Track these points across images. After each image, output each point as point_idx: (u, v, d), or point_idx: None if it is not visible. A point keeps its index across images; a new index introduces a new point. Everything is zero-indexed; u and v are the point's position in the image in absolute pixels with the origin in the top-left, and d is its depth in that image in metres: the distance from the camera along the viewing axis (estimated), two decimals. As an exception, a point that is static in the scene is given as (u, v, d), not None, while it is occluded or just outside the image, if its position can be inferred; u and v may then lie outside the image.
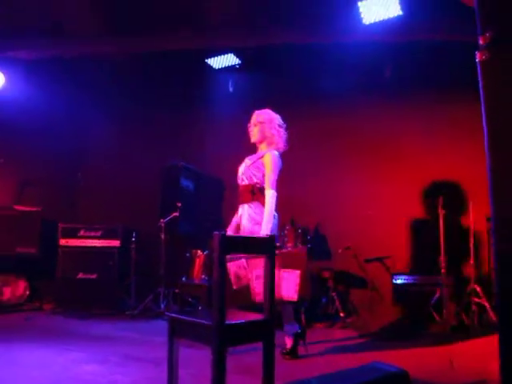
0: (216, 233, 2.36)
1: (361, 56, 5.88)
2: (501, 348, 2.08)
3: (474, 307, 5.06)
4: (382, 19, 5.26)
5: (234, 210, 6.74)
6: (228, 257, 3.57)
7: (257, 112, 4.30)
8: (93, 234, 6.37)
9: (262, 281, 3.16)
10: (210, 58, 6.49)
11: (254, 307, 3.58)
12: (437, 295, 5.11)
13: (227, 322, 2.39)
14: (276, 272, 3.10)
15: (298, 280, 3.25)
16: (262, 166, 4.14)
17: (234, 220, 4.26)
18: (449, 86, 5.83)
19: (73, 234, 6.37)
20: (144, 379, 3.36)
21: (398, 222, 6.08)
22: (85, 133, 7.20)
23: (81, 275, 6.25)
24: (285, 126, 4.35)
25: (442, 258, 5.11)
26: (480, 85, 1.98)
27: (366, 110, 6.25)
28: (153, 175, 6.57)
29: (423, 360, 4.04)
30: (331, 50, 6.04)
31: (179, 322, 2.62)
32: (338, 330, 5.25)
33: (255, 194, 4.14)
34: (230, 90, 6.83)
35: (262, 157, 4.17)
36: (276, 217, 4.09)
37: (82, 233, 6.38)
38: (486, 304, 5.03)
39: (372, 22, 5.30)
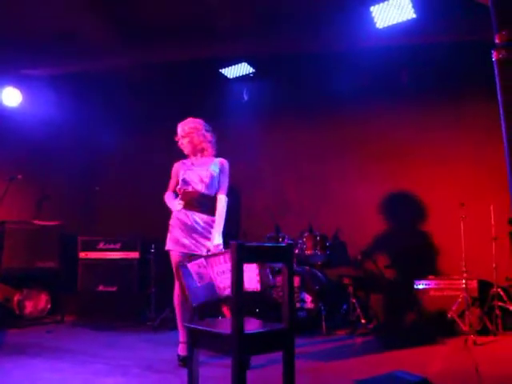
0: (233, 242, 2.35)
1: (376, 61, 5.84)
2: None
3: (497, 311, 4.96)
4: (395, 23, 5.22)
5: (251, 217, 6.77)
6: (187, 258, 3.65)
7: (181, 124, 4.31)
8: (112, 246, 6.42)
9: (225, 276, 3.31)
10: (224, 67, 6.50)
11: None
12: (459, 300, 5.02)
13: (246, 332, 2.37)
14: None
15: (257, 271, 3.31)
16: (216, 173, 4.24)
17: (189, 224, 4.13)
18: (469, 87, 5.76)
19: (92, 247, 6.42)
20: (165, 390, 3.35)
21: (418, 227, 6.01)
22: (102, 146, 7.25)
23: (101, 287, 6.29)
24: (210, 128, 4.39)
25: (464, 262, 5.03)
26: (497, 84, 1.94)
27: (385, 116, 6.20)
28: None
29: (447, 366, 3.97)
30: (345, 56, 6.02)
31: (199, 333, 2.61)
32: (359, 337, 5.19)
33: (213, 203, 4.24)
34: (245, 98, 6.83)
35: (212, 163, 4.27)
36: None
37: (101, 245, 6.42)
38: (510, 308, 4.94)
39: (385, 26, 5.26)
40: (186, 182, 4.18)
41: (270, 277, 3.50)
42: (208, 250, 4.01)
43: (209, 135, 4.33)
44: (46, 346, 4.83)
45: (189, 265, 3.25)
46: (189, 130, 4.26)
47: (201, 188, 4.15)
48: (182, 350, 4.00)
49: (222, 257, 3.32)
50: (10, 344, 5.00)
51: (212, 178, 4.17)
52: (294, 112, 6.74)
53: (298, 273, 5.45)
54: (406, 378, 1.25)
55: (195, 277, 3.22)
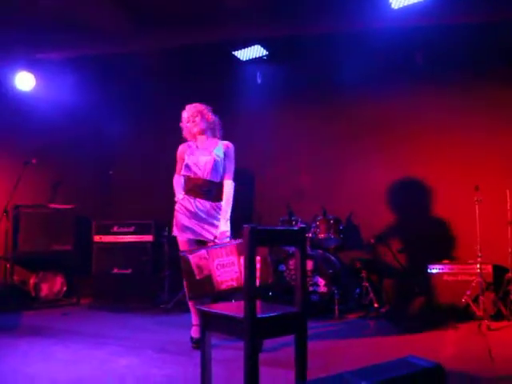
0: (246, 226, 2.34)
1: (391, 43, 5.73)
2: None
3: (511, 296, 4.93)
4: (411, 3, 5.13)
5: (264, 201, 6.76)
6: (188, 249, 3.63)
7: (187, 107, 4.33)
8: (126, 229, 6.45)
9: (225, 269, 3.29)
10: (237, 50, 6.44)
11: (219, 297, 3.69)
12: (473, 284, 4.99)
13: (259, 315, 2.38)
14: (237, 260, 3.17)
15: (258, 265, 3.28)
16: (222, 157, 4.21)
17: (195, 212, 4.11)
18: (485, 69, 5.65)
19: (106, 231, 6.46)
20: (179, 372, 3.38)
21: (433, 210, 5.97)
22: (116, 130, 7.26)
23: (116, 270, 6.35)
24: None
25: (479, 247, 4.99)
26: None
27: (399, 99, 6.13)
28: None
29: (461, 351, 3.96)
30: (360, 37, 5.92)
31: (211, 316, 2.62)
32: (372, 321, 5.19)
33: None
34: (258, 81, 6.78)
35: (216, 147, 4.24)
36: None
37: (115, 229, 6.46)
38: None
39: (401, 6, 5.17)
40: (188, 168, 4.15)
41: (271, 274, 3.46)
42: (215, 237, 4.02)
43: (216, 117, 4.37)
44: (61, 327, 4.90)
45: (190, 256, 3.23)
46: (197, 110, 4.26)
47: (202, 174, 4.12)
48: (195, 333, 4.04)
49: (223, 249, 3.30)
50: (25, 326, 5.08)
51: (215, 163, 4.13)
52: (308, 95, 6.68)
53: (311, 256, 5.44)
54: (420, 364, 1.24)
55: (195, 269, 3.18)
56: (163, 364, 3.57)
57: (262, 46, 6.33)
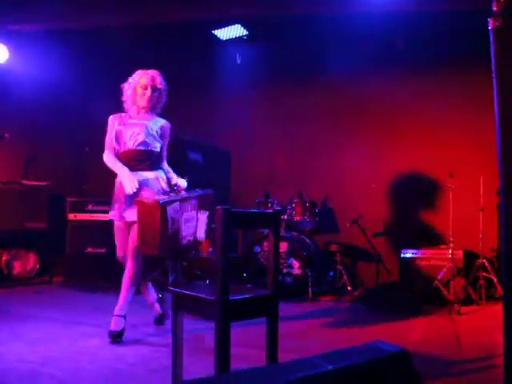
0: (219, 207, 2.33)
1: (370, 26, 5.72)
2: (505, 321, 2.06)
3: (481, 281, 5.02)
4: (392, -13, 5.11)
5: (241, 182, 6.73)
6: (167, 199, 3.31)
7: (153, 73, 3.83)
8: (101, 207, 6.36)
9: (187, 224, 3.23)
10: (217, 29, 6.36)
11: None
12: (445, 269, 5.07)
13: (231, 297, 2.37)
14: (196, 215, 3.10)
15: (206, 221, 3.25)
16: (159, 135, 3.87)
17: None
18: (463, 56, 5.67)
19: (81, 208, 6.37)
20: (150, 351, 3.38)
21: (407, 195, 6.02)
22: (91, 106, 7.13)
23: (90, 249, 6.28)
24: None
25: (451, 232, 5.06)
26: (492, 53, 1.89)
27: (377, 83, 6.12)
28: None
29: (429, 335, 4.04)
30: (340, 20, 5.89)
31: (183, 297, 2.61)
32: (344, 304, 5.25)
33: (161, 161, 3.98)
34: (238, 61, 6.71)
35: (161, 126, 3.91)
36: None
37: (90, 207, 6.37)
38: (494, 278, 5.00)
39: (383, -10, 5.15)
40: (117, 141, 3.79)
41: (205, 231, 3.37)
42: (175, 184, 3.84)
43: (166, 93, 3.93)
44: (32, 306, 4.85)
45: (168, 207, 3.01)
46: (161, 84, 3.83)
47: (133, 145, 3.76)
48: (115, 324, 3.66)
49: (189, 204, 3.22)
50: (-4, 303, 5.01)
51: (147, 135, 3.76)
52: (288, 77, 6.65)
53: (286, 239, 5.47)
54: (385, 349, 1.25)
55: (169, 222, 3.01)
56: (135, 344, 3.56)
57: (242, 25, 6.26)
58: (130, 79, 3.88)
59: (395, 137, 6.10)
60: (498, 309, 4.54)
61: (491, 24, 1.82)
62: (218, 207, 2.34)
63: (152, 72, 3.83)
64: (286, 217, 5.73)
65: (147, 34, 6.50)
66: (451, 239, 5.05)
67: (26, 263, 6.25)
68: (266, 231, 5.54)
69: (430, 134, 5.92)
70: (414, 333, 4.07)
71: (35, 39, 6.31)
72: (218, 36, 6.49)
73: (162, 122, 3.91)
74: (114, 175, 6.98)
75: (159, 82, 3.80)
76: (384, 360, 1.21)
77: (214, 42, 6.61)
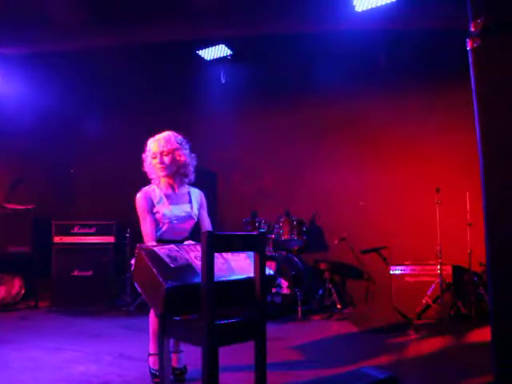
0: (204, 231, 2.30)
1: (354, 44, 5.79)
2: (493, 338, 2.05)
3: (471, 297, 5.01)
4: (374, 6, 5.17)
5: (227, 202, 6.69)
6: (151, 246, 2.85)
7: (158, 137, 3.38)
8: (87, 230, 6.32)
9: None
10: (201, 49, 6.39)
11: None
12: (434, 285, 5.06)
13: (218, 322, 2.34)
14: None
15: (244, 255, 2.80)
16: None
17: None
18: (444, 73, 5.74)
19: (67, 232, 6.31)
20: (138, 379, 3.31)
21: (394, 212, 6.03)
22: (76, 129, 7.11)
23: (76, 272, 6.20)
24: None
25: (439, 248, 5.06)
26: (471, 73, 1.91)
27: (361, 100, 6.17)
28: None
29: (420, 352, 4.01)
30: (324, 39, 5.95)
31: (170, 321, 2.57)
32: (334, 322, 5.21)
33: None
34: (222, 81, 6.74)
35: (192, 196, 3.45)
36: None
37: (76, 230, 6.32)
38: (484, 293, 4.99)
39: (365, 9, 5.21)
40: (169, 221, 3.28)
41: None
42: None
43: (193, 156, 3.48)
44: (17, 332, 4.75)
45: (156, 249, 2.62)
46: (172, 145, 3.33)
47: (188, 225, 3.39)
48: (154, 363, 3.25)
49: (198, 245, 2.67)
50: (-20, 330, 4.91)
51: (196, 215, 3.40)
52: (272, 96, 6.68)
53: (274, 258, 5.43)
54: (371, 375, 1.23)
55: (166, 259, 2.57)
56: (121, 370, 3.49)
57: (226, 45, 6.30)
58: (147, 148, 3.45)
59: (381, 153, 6.13)
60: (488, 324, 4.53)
61: (469, 45, 1.84)
62: (202, 231, 2.32)
63: (163, 136, 3.39)
64: (273, 236, 5.70)
65: (132, 55, 6.52)
66: (439, 255, 5.05)
67: (11, 288, 6.16)
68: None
69: (415, 150, 5.96)
70: (405, 350, 4.04)
71: (20, 62, 6.30)
72: (203, 56, 6.51)
73: (197, 192, 3.51)
74: (100, 196, 6.99)
75: (166, 143, 3.33)
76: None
77: (198, 62, 6.62)
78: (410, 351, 4.02)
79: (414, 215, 5.88)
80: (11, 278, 6.17)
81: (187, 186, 3.46)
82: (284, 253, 5.67)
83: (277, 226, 5.75)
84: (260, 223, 5.70)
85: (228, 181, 6.78)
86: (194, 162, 3.46)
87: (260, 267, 2.50)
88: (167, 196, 3.33)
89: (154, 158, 3.32)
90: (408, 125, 6.00)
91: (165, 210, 3.26)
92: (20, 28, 5.75)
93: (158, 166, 3.30)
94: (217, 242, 2.32)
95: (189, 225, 3.37)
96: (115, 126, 7.11)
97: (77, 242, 6.28)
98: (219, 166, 6.76)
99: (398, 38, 5.69)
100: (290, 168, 6.51)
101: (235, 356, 3.33)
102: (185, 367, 3.30)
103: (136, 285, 2.86)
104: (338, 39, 5.78)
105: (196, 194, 3.47)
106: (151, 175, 3.40)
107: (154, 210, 3.26)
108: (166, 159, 3.30)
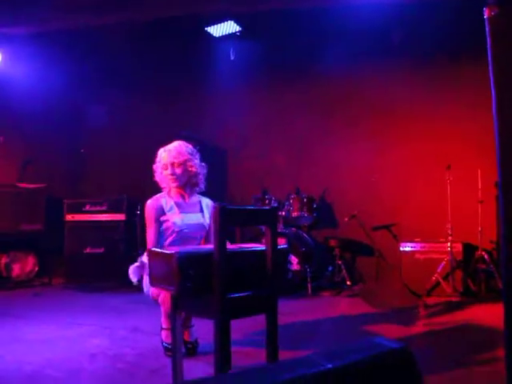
0: (216, 205, 2.31)
1: (366, 20, 5.69)
2: (506, 315, 2.04)
3: (481, 274, 5.02)
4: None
5: (237, 179, 6.69)
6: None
7: (175, 148, 3.36)
8: (98, 208, 6.36)
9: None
10: (210, 26, 6.33)
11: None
12: (444, 262, 5.06)
13: (229, 295, 2.36)
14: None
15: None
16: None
17: None
18: (459, 47, 5.66)
19: (78, 209, 6.36)
20: (151, 351, 3.36)
21: (405, 189, 6.00)
22: (86, 107, 7.12)
23: (88, 250, 6.27)
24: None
25: (450, 225, 5.05)
26: (488, 43, 1.87)
27: (373, 76, 6.11)
28: (155, 146, 6.51)
29: (430, 328, 4.03)
30: (335, 14, 5.86)
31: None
32: (344, 299, 5.24)
33: None
34: (232, 58, 6.69)
35: (203, 207, 3.46)
36: None
37: (87, 207, 6.36)
38: (494, 271, 4.99)
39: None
40: (180, 230, 3.29)
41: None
42: None
43: (204, 166, 3.47)
44: (32, 308, 4.84)
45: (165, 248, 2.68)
46: (183, 156, 3.33)
47: (199, 234, 3.41)
48: (167, 337, 3.28)
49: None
50: (-5, 306, 5.00)
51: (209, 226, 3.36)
52: (281, 72, 6.63)
53: (284, 235, 5.45)
54: (385, 345, 1.24)
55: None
56: (135, 344, 3.54)
57: (235, 21, 6.24)
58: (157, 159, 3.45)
59: (392, 130, 6.08)
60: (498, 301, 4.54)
61: (486, 13, 1.80)
62: (215, 204, 2.32)
63: (174, 147, 3.39)
64: (283, 213, 5.71)
65: (141, 32, 6.48)
66: (450, 232, 5.04)
67: (25, 265, 6.24)
68: (263, 228, 5.52)
69: (427, 126, 5.91)
70: (415, 327, 4.06)
71: (30, 42, 6.28)
72: (211, 33, 6.46)
73: (207, 202, 3.50)
74: (109, 176, 7.02)
75: (178, 154, 3.33)
76: (385, 357, 1.20)
77: (207, 39, 6.57)
78: (419, 328, 4.04)
79: (425, 192, 5.85)
80: (25, 256, 6.25)
81: (198, 196, 3.50)
82: (294, 229, 5.68)
83: (287, 202, 5.75)
84: (270, 200, 5.71)
85: (238, 158, 6.77)
86: (205, 171, 3.48)
87: (271, 241, 2.51)
88: (178, 205, 3.36)
89: (165, 168, 3.34)
90: (420, 101, 5.94)
91: (175, 218, 3.29)
92: (27, 6, 5.72)
93: (170, 176, 3.33)
94: (230, 216, 2.32)
95: (200, 234, 3.39)
96: (123, 104, 7.10)
97: (88, 219, 6.33)
98: (229, 144, 6.75)
99: (413, 11, 5.59)
100: (300, 144, 6.49)
101: (244, 332, 3.36)
102: (196, 341, 3.34)
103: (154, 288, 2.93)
104: (350, 14, 5.69)
105: (207, 203, 3.49)
106: (162, 184, 3.44)
107: (164, 218, 3.29)
108: (178, 170, 3.32)
